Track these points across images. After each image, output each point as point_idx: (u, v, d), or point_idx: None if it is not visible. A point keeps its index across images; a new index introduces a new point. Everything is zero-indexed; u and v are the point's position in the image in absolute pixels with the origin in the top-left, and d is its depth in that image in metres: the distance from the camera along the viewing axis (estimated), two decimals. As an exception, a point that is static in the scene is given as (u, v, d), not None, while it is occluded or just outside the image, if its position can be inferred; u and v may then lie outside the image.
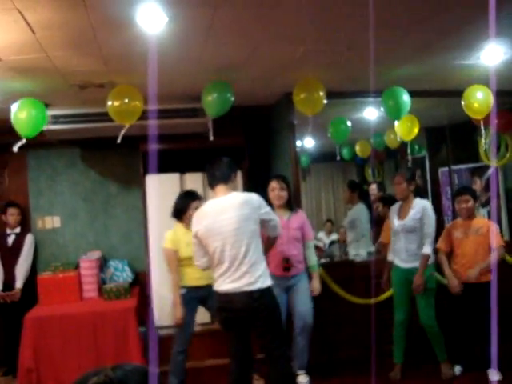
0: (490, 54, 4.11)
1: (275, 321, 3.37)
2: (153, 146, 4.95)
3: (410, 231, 4.31)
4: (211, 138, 4.42)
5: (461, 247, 4.38)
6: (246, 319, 3.34)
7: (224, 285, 3.36)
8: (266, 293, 3.32)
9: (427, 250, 4.26)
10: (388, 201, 5.39)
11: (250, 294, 3.27)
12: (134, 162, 5.36)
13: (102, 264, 5.25)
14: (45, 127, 4.34)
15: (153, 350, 3.78)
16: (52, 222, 5.55)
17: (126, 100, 3.94)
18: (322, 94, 4.34)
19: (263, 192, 4.31)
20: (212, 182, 3.55)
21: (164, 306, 5.11)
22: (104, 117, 4.22)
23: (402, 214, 4.40)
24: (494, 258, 4.22)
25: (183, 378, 4.27)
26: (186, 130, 4.98)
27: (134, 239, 5.53)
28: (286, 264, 4.26)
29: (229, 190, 3.50)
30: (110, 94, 3.99)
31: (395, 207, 4.52)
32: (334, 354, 4.86)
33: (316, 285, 4.39)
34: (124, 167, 5.55)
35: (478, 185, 6.31)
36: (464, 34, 3.68)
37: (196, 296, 4.21)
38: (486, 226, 4.32)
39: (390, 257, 4.51)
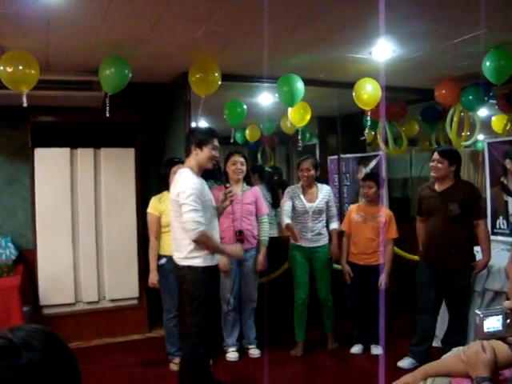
0: (380, 50, 4.37)
1: (193, 298, 3.36)
2: (43, 118, 4.75)
3: (319, 213, 4.60)
4: (107, 114, 4.29)
5: (358, 231, 4.63)
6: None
7: None
8: (190, 270, 3.35)
9: (336, 225, 4.70)
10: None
11: (177, 264, 3.45)
12: (22, 134, 5.07)
13: (-17, 240, 4.95)
14: None
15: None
16: None
17: (21, 67, 3.72)
18: (217, 75, 4.38)
19: (156, 170, 4.33)
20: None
21: (50, 284, 4.96)
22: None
23: (309, 197, 4.61)
24: (389, 249, 4.55)
25: (180, 344, 4.26)
26: (79, 104, 4.81)
27: (18, 215, 5.25)
28: (239, 237, 4.40)
29: (185, 165, 3.51)
30: (2, 59, 3.74)
31: (294, 190, 4.65)
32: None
33: (261, 259, 4.54)
34: (9, 139, 5.20)
35: (362, 173, 6.66)
36: (357, 30, 3.87)
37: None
38: (385, 215, 4.57)
39: (288, 220, 4.51)
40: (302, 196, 4.61)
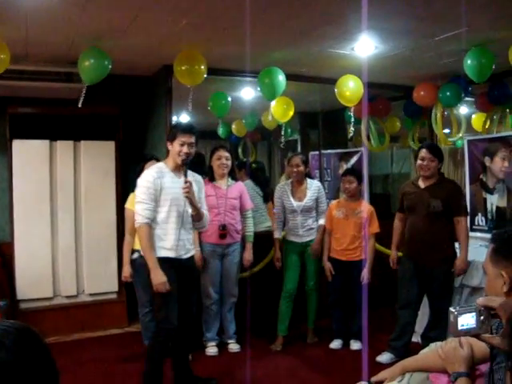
0: (363, 46, 4.37)
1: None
2: (22, 110, 4.67)
3: (308, 210, 4.63)
4: (80, 105, 4.24)
5: (340, 228, 4.61)
6: None
7: None
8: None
9: (323, 221, 4.67)
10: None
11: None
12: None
13: (-42, 233, 4.87)
14: None
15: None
16: None
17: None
18: (203, 67, 4.37)
19: (136, 164, 4.31)
20: None
21: (27, 278, 4.89)
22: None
23: (298, 195, 4.64)
24: (371, 244, 4.56)
25: None
26: (59, 95, 4.73)
27: (-5, 208, 5.16)
28: (222, 231, 4.42)
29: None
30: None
31: (284, 187, 4.70)
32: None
33: (247, 255, 4.56)
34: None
35: (343, 169, 6.67)
36: (339, 25, 3.86)
37: None
38: (366, 211, 4.56)
39: (278, 234, 4.70)
40: (290, 195, 4.64)
